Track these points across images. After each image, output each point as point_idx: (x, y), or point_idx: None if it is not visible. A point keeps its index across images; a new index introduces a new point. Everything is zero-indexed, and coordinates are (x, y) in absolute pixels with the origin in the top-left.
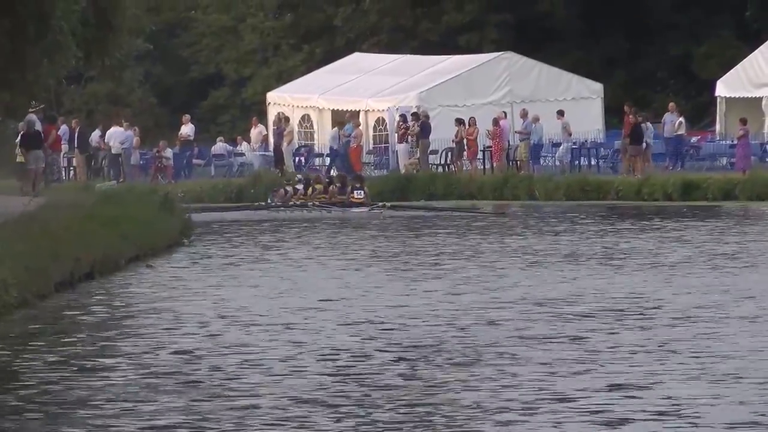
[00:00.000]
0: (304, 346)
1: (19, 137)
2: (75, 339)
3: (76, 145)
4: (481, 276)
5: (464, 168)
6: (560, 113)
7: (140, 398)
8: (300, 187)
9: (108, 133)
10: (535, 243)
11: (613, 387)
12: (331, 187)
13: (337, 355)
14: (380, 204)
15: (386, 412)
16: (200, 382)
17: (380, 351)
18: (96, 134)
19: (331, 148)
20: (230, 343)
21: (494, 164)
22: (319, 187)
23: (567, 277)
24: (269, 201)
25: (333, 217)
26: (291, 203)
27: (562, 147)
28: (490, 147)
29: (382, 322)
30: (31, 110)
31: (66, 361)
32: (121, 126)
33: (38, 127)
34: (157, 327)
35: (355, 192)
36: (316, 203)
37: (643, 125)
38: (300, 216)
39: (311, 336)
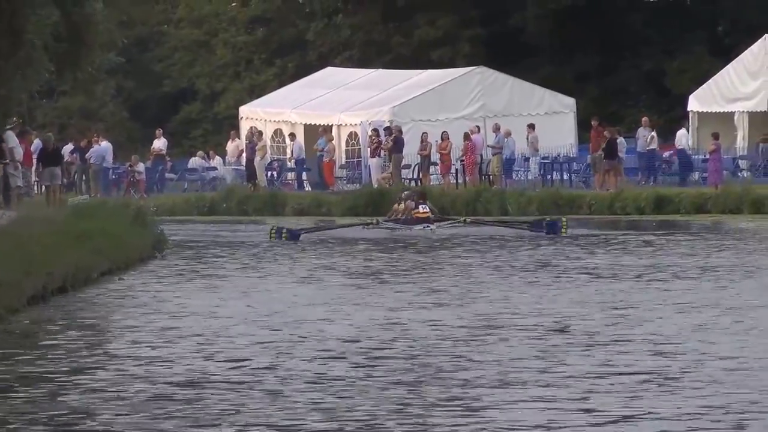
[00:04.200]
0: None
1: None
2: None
3: None
4: None
5: (431, 182)
6: (530, 127)
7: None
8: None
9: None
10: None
11: None
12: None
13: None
14: (461, 219)
15: None
16: (168, 397)
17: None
18: (68, 149)
19: (298, 160)
20: (198, 357)
21: (467, 178)
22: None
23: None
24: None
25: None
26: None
27: (531, 161)
28: (463, 161)
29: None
30: (8, 126)
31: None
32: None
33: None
34: (125, 341)
35: (420, 207)
36: (379, 220)
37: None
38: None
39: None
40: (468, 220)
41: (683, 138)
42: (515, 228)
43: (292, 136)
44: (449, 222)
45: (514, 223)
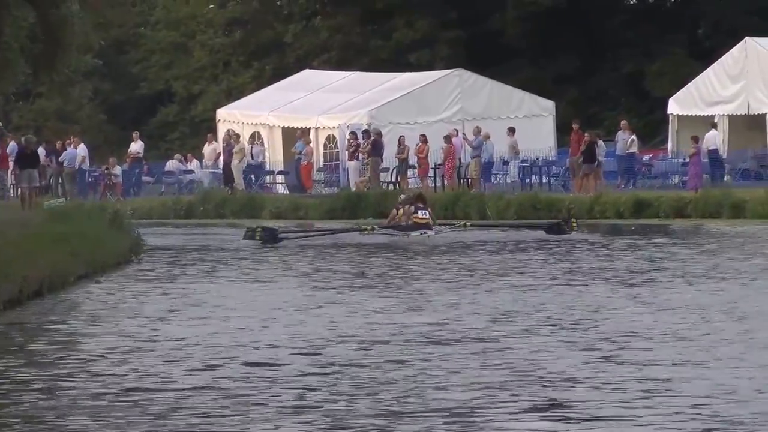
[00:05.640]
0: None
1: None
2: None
3: None
4: None
5: (409, 185)
6: (511, 131)
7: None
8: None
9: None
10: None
11: None
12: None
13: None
14: (461, 223)
15: None
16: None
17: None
18: (42, 151)
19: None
20: (175, 361)
21: (446, 182)
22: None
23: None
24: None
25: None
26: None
27: (510, 166)
28: (441, 164)
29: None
30: None
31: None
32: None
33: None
34: (101, 345)
35: (419, 212)
36: (375, 227)
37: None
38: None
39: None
40: (468, 224)
41: (716, 138)
42: (520, 229)
43: (251, 139)
44: (449, 226)
45: (520, 225)
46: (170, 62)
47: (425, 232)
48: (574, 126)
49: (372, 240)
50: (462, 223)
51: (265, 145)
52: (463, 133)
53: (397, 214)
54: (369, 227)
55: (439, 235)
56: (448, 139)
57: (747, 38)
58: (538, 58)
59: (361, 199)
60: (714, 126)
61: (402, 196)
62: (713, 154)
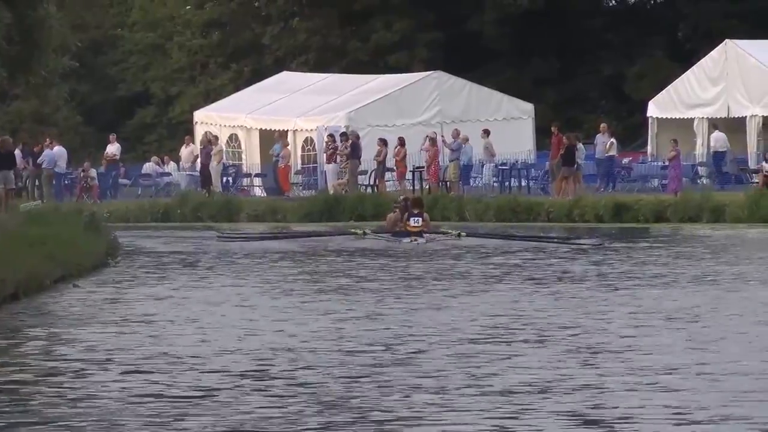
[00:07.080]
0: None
1: None
2: None
3: None
4: None
5: (387, 188)
6: (485, 132)
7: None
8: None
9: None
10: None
11: None
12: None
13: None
14: (455, 233)
15: None
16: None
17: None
18: (18, 154)
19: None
20: (153, 365)
21: (430, 184)
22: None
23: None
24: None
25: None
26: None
27: (485, 168)
28: (420, 167)
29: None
30: None
31: None
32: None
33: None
34: (78, 349)
35: (411, 219)
36: (367, 231)
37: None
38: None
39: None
40: (463, 234)
41: (721, 140)
42: (518, 240)
43: (229, 140)
44: (441, 234)
45: (515, 235)
46: (148, 64)
47: (416, 239)
48: (553, 129)
49: (363, 244)
50: (456, 233)
51: (242, 147)
52: (442, 136)
53: (391, 216)
54: (360, 231)
55: (430, 243)
56: (433, 141)
57: (727, 41)
58: (516, 60)
59: (339, 202)
60: (716, 127)
61: (401, 198)
62: (719, 156)
